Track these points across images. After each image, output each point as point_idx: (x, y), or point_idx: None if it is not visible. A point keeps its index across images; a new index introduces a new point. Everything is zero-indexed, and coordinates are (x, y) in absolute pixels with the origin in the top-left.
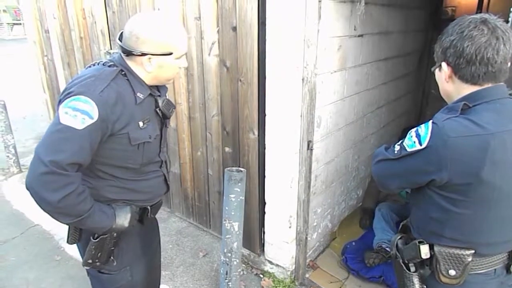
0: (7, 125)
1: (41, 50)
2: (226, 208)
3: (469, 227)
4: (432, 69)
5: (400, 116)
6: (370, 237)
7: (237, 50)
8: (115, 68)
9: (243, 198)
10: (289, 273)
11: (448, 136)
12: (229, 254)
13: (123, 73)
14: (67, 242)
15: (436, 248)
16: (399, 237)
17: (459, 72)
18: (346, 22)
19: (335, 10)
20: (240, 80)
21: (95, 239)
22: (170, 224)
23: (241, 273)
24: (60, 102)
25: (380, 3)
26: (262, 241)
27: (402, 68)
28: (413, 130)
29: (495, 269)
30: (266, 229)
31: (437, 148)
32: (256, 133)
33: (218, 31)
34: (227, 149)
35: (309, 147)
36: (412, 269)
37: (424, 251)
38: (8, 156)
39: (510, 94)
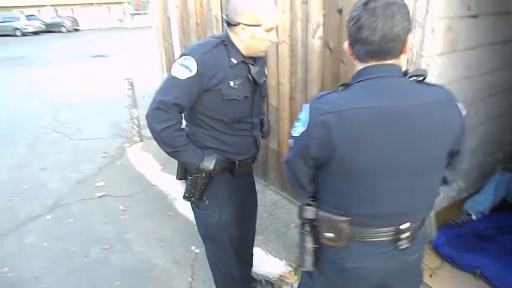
0: (134, 100)
1: (163, 36)
2: None
3: (340, 197)
4: None
5: None
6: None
7: (342, 32)
8: (218, 39)
9: None
10: None
11: (313, 115)
12: None
13: (224, 43)
14: (176, 178)
15: (319, 212)
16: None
17: (351, 51)
18: (459, 1)
19: None
20: (343, 61)
21: (190, 177)
22: (266, 196)
23: None
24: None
25: None
26: None
27: None
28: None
29: (383, 240)
30: None
31: (310, 127)
32: None
33: (324, 15)
34: None
35: None
36: (308, 228)
37: (308, 212)
38: (132, 127)
39: (416, 75)
